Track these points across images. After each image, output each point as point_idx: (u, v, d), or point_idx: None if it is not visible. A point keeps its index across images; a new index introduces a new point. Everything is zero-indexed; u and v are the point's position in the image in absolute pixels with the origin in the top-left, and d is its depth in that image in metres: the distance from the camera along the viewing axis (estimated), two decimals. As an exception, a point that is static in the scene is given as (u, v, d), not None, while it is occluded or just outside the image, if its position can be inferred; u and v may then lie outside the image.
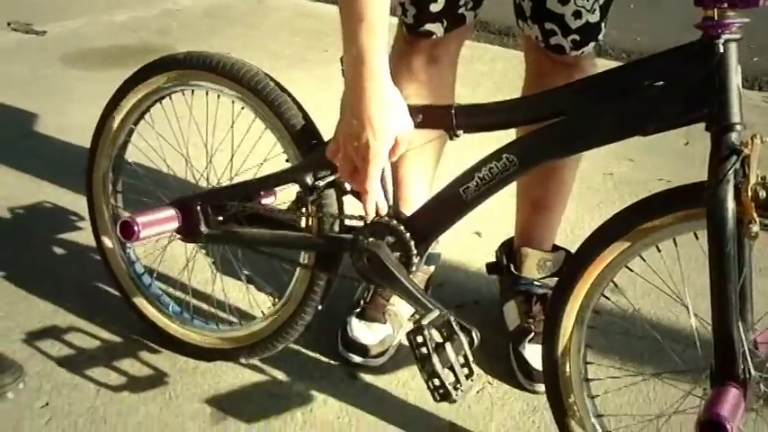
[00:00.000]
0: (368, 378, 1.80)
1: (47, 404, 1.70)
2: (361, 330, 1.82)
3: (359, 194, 1.44)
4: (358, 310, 1.87)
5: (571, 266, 1.42)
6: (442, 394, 1.36)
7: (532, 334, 1.80)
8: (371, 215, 1.45)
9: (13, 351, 1.82)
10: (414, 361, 1.79)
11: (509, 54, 3.88)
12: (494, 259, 2.00)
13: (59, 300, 2.01)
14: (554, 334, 1.44)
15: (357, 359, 1.81)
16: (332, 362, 1.84)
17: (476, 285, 2.13)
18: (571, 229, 2.36)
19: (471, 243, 2.32)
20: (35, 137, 2.89)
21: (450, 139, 1.45)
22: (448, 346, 1.37)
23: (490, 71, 3.71)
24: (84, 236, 2.21)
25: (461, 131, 1.44)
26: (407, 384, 1.78)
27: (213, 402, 1.72)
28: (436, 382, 1.35)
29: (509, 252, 1.93)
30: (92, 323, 1.93)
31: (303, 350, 1.87)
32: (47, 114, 3.05)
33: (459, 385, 1.36)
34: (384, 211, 1.47)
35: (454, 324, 1.39)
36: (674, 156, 2.89)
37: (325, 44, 3.74)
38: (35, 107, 3.11)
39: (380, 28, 1.29)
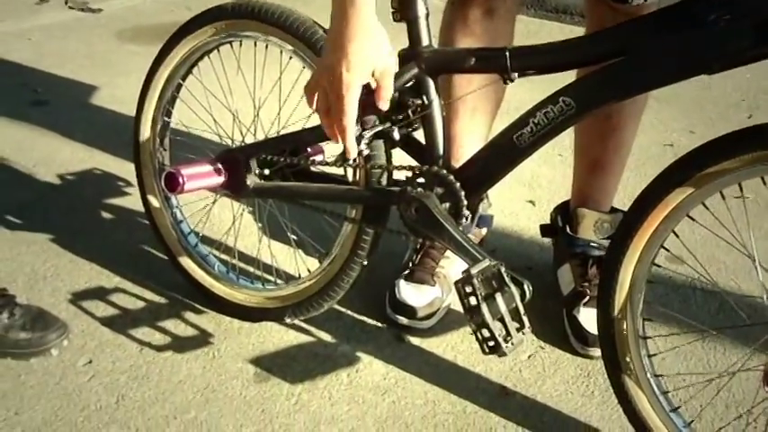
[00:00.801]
0: (415, 341, 1.74)
1: (90, 362, 1.68)
2: (409, 292, 1.77)
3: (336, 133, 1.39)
4: (407, 272, 1.81)
5: (630, 216, 1.34)
6: (492, 347, 1.29)
7: (587, 298, 1.73)
8: (353, 155, 1.40)
9: (58, 310, 1.81)
10: (464, 324, 1.78)
11: (566, 29, 3.78)
12: (548, 222, 1.93)
13: (106, 261, 1.99)
14: (611, 289, 1.37)
15: (405, 321, 1.75)
16: (379, 324, 1.79)
17: (528, 252, 2.06)
18: (630, 199, 2.27)
19: (525, 211, 2.25)
20: (89, 108, 2.90)
21: (505, 83, 1.38)
22: (498, 296, 1.31)
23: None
24: (132, 200, 2.19)
25: (516, 74, 1.37)
26: (456, 347, 1.72)
27: (257, 362, 1.68)
28: (485, 333, 1.29)
29: (565, 213, 1.86)
30: (137, 284, 1.91)
31: (350, 312, 1.82)
32: (101, 87, 3.05)
33: (509, 337, 1.30)
34: (354, 153, 1.41)
35: (505, 275, 1.33)
36: (736, 128, 2.77)
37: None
38: (90, 80, 3.11)
39: None
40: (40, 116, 2.80)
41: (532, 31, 3.71)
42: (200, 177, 1.63)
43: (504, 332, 1.29)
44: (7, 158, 2.50)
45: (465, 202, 1.43)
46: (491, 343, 1.29)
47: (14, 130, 2.69)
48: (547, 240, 2.01)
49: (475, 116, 1.79)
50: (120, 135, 2.57)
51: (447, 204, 1.45)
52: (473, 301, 1.29)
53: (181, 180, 1.60)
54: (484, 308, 1.28)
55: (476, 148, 1.80)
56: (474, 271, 1.31)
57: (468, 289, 1.30)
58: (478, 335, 1.29)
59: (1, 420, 1.53)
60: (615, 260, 1.36)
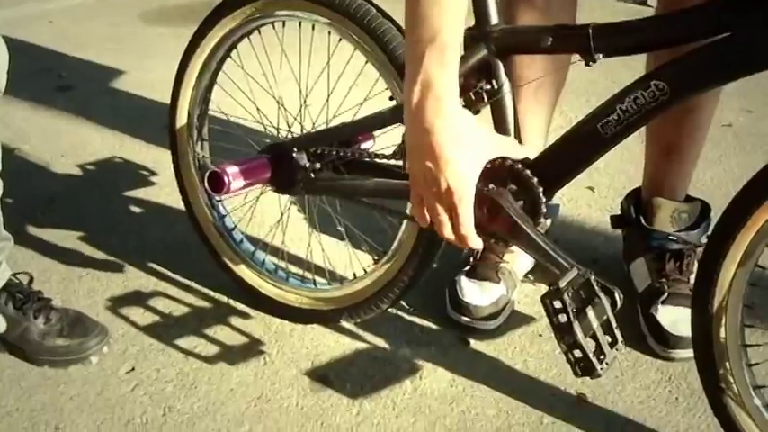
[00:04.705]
0: (481, 343, 1.62)
1: (132, 369, 1.57)
2: (471, 290, 1.65)
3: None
4: (468, 267, 1.69)
5: (732, 211, 1.21)
6: (584, 368, 1.16)
7: (666, 294, 1.61)
8: (478, 248, 1.22)
9: (96, 312, 1.70)
10: (531, 323, 1.66)
11: (608, 4, 3.63)
12: (616, 213, 1.81)
13: (144, 259, 1.88)
14: (708, 292, 1.24)
15: (468, 322, 1.63)
16: (440, 325, 1.67)
17: (592, 243, 1.93)
18: (692, 184, 2.15)
19: (584, 198, 2.12)
20: (117, 93, 2.79)
21: (587, 64, 1.23)
22: (589, 310, 1.17)
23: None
24: (168, 192, 2.08)
25: (600, 55, 1.21)
26: (526, 350, 1.60)
27: (312, 369, 1.57)
28: (577, 353, 1.15)
29: (637, 203, 1.73)
30: (178, 283, 1.80)
31: (407, 312, 1.70)
32: (128, 70, 2.94)
33: (602, 356, 1.16)
34: (479, 248, 1.23)
35: (595, 284, 1.19)
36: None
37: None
38: (116, 63, 3.01)
39: (453, 47, 1.06)
40: (65, 102, 2.69)
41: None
42: (246, 175, 1.50)
43: (598, 350, 1.16)
44: (34, 147, 2.39)
45: (543, 200, 1.30)
46: (583, 364, 1.16)
47: (39, 116, 2.59)
48: (611, 230, 1.88)
49: (538, 94, 1.66)
50: (152, 121, 2.47)
51: (522, 202, 1.31)
52: (563, 318, 1.16)
53: (226, 180, 1.47)
54: (576, 326, 1.15)
55: (540, 129, 1.70)
56: (563, 284, 1.17)
57: (558, 305, 1.16)
58: (570, 356, 1.16)
59: (41, 436, 1.43)
60: (714, 260, 1.23)
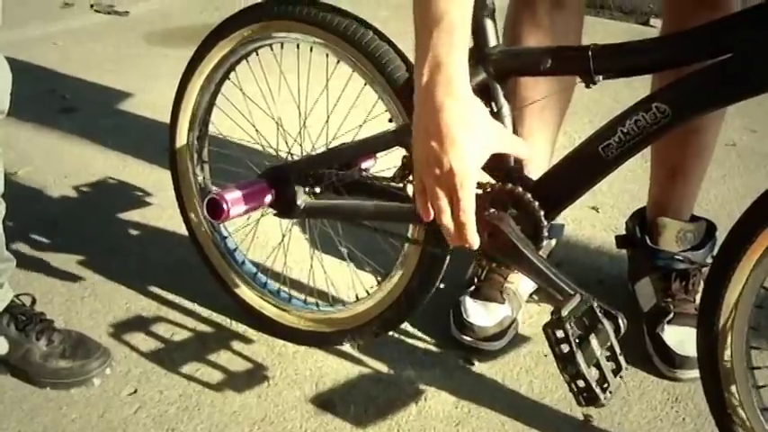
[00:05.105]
0: (485, 365, 1.61)
1: (135, 391, 1.56)
2: (476, 311, 1.64)
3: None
4: (472, 288, 1.68)
5: (738, 231, 1.20)
6: (588, 398, 1.15)
7: (671, 314, 1.60)
8: (475, 246, 1.16)
9: (98, 335, 1.69)
10: (536, 343, 1.65)
11: (610, 25, 3.64)
12: (621, 233, 1.80)
13: (145, 281, 1.87)
14: (713, 314, 1.23)
15: (472, 343, 1.62)
16: (444, 346, 1.66)
17: (597, 263, 1.92)
18: (697, 202, 2.14)
19: (588, 218, 2.11)
20: (120, 114, 2.78)
21: (587, 86, 1.22)
22: (592, 338, 1.15)
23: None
24: (170, 214, 2.07)
25: (600, 77, 1.20)
26: (531, 371, 1.59)
27: (316, 390, 1.55)
28: (581, 384, 1.14)
29: (642, 223, 1.72)
30: (180, 305, 1.79)
31: (411, 333, 1.69)
32: (132, 92, 2.94)
33: (606, 385, 1.15)
34: (476, 246, 1.17)
35: (597, 310, 1.17)
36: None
37: None
38: (120, 85, 3.00)
39: (462, 29, 1.06)
40: (69, 123, 2.69)
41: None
42: (246, 200, 1.48)
43: (601, 379, 1.15)
44: (37, 169, 2.39)
45: (545, 224, 1.29)
46: (586, 394, 1.14)
47: (43, 138, 2.59)
48: (615, 250, 1.87)
49: (544, 115, 1.66)
50: (155, 143, 2.46)
51: (523, 226, 1.29)
52: (566, 348, 1.14)
53: (225, 206, 1.45)
54: (579, 356, 1.13)
55: (545, 148, 1.69)
56: (565, 312, 1.16)
57: (560, 335, 1.14)
58: (573, 386, 1.14)
59: (43, 460, 1.42)
60: (719, 281, 1.22)
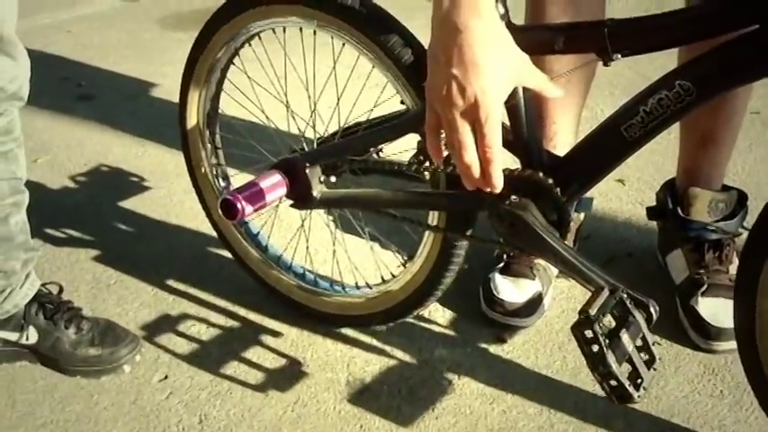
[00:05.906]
0: (518, 341, 1.59)
1: (165, 377, 1.55)
2: (506, 288, 1.62)
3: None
4: (501, 264, 1.66)
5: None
6: (621, 396, 1.12)
7: (705, 286, 1.57)
8: (499, 188, 1.07)
9: (126, 321, 1.68)
10: (569, 319, 1.63)
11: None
12: (650, 204, 1.77)
13: (171, 266, 1.86)
14: (750, 286, 1.20)
15: (503, 320, 1.61)
16: (475, 325, 1.64)
17: (626, 236, 1.90)
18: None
19: (614, 191, 2.08)
20: (137, 100, 2.77)
21: (605, 64, 1.16)
22: (623, 333, 1.11)
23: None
24: (193, 197, 2.04)
25: (618, 55, 1.13)
26: (564, 347, 1.57)
27: (348, 372, 1.54)
28: (613, 383, 1.11)
29: (673, 194, 1.69)
30: (207, 289, 1.78)
31: (441, 311, 1.67)
32: (148, 77, 2.92)
33: (639, 380, 1.12)
34: (500, 188, 1.08)
35: (627, 302, 1.13)
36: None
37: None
38: (135, 71, 2.99)
39: None
40: (86, 111, 2.68)
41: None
42: (261, 197, 1.42)
43: (634, 374, 1.12)
44: (56, 157, 2.38)
45: (569, 211, 1.25)
46: (620, 392, 1.11)
47: (61, 126, 2.58)
48: (644, 222, 1.85)
49: (568, 87, 1.61)
50: (173, 127, 2.38)
51: (547, 212, 1.25)
52: (595, 348, 1.10)
53: (240, 206, 1.39)
54: (609, 356, 1.09)
55: (570, 125, 1.66)
56: (593, 311, 1.11)
57: (589, 334, 1.10)
58: (604, 386, 1.11)
59: (77, 448, 1.41)
60: (756, 253, 1.19)
